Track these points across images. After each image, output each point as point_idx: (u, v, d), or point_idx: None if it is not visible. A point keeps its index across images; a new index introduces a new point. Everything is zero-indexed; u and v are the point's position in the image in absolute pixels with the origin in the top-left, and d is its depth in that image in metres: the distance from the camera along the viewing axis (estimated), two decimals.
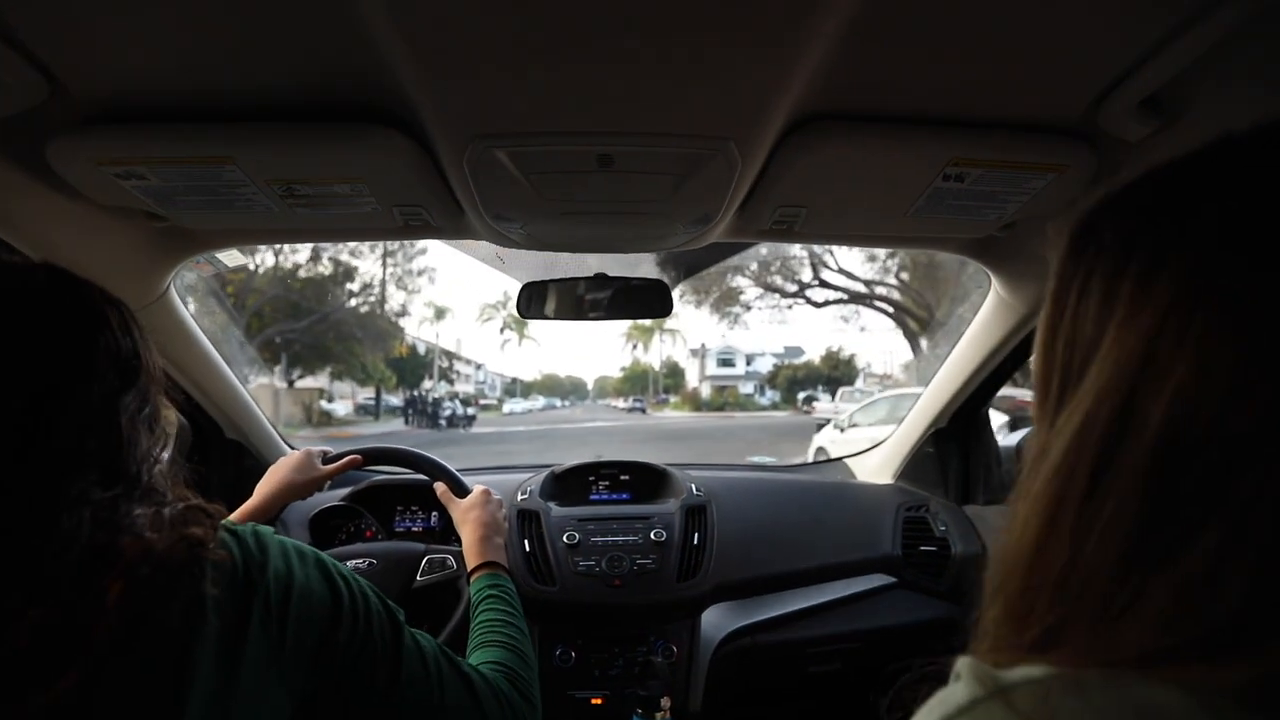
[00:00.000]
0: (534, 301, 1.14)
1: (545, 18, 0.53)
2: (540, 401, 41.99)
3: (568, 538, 1.22)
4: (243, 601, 0.48)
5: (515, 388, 48.28)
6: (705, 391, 40.69)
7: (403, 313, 22.33)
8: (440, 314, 30.73)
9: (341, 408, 21.90)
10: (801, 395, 34.40)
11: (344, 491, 1.28)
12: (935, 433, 1.52)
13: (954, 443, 1.52)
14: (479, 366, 44.25)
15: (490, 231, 0.93)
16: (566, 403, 48.43)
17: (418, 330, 30.72)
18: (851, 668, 1.28)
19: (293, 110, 0.70)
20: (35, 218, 0.82)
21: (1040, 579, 0.31)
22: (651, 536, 1.22)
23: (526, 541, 1.22)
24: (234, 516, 0.94)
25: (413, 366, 27.03)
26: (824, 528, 1.40)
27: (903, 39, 0.63)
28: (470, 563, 0.88)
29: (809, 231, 1.00)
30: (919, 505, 1.45)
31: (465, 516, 0.96)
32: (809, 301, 19.52)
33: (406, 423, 21.48)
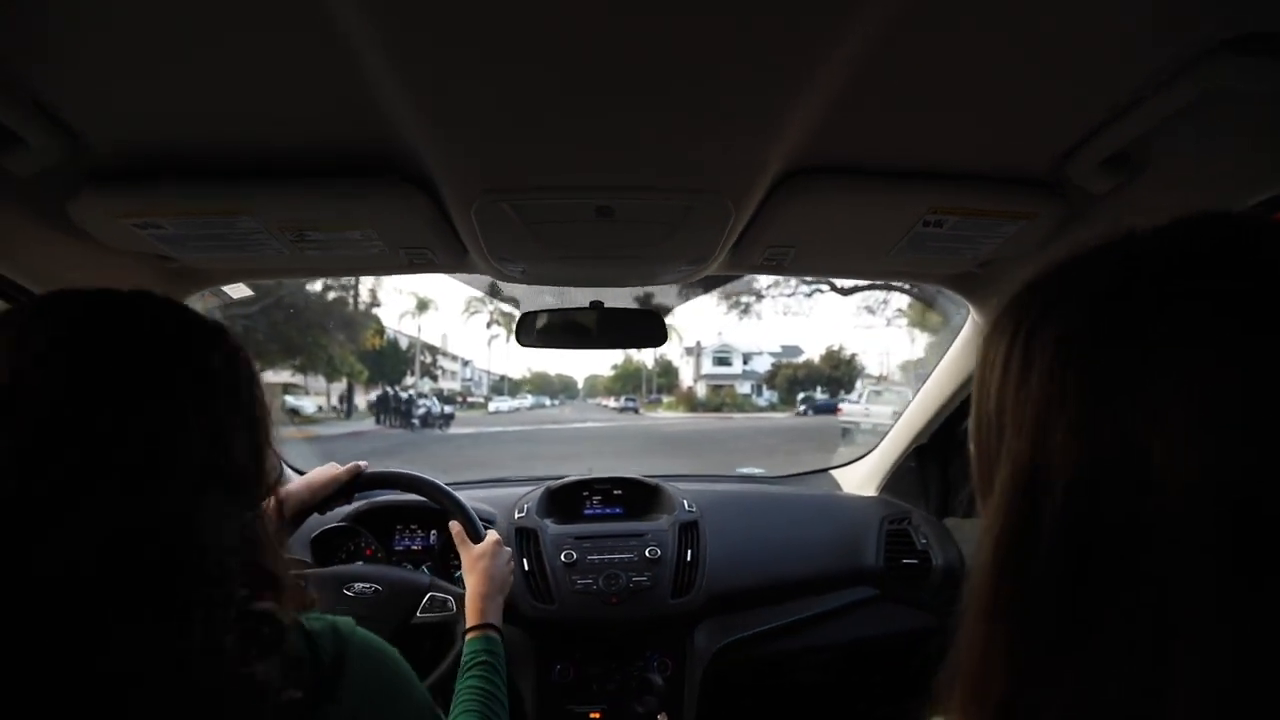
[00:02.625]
0: (531, 330, 1.17)
1: (550, 83, 0.56)
2: (529, 400, 40.99)
3: (565, 556, 1.26)
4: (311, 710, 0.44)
5: (503, 385, 47.10)
6: (701, 391, 39.76)
7: (375, 302, 20.62)
8: (423, 306, 29.52)
9: (310, 404, 19.74)
10: (801, 396, 33.81)
11: (345, 511, 1.31)
12: (917, 448, 1.58)
13: (934, 458, 1.58)
14: (466, 363, 43.25)
15: (492, 270, 0.97)
16: (556, 401, 47.49)
17: (398, 323, 29.41)
18: (837, 678, 1.33)
19: (307, 164, 0.73)
20: (48, 261, 0.85)
21: (990, 654, 0.33)
22: (646, 554, 1.27)
23: (526, 560, 1.26)
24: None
25: (393, 361, 25.93)
26: (811, 540, 1.44)
27: (885, 103, 0.67)
28: (470, 619, 0.88)
29: (798, 267, 1.05)
30: (901, 518, 1.51)
31: (474, 565, 0.95)
32: (834, 289, 18.50)
33: (378, 421, 19.90)
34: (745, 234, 0.91)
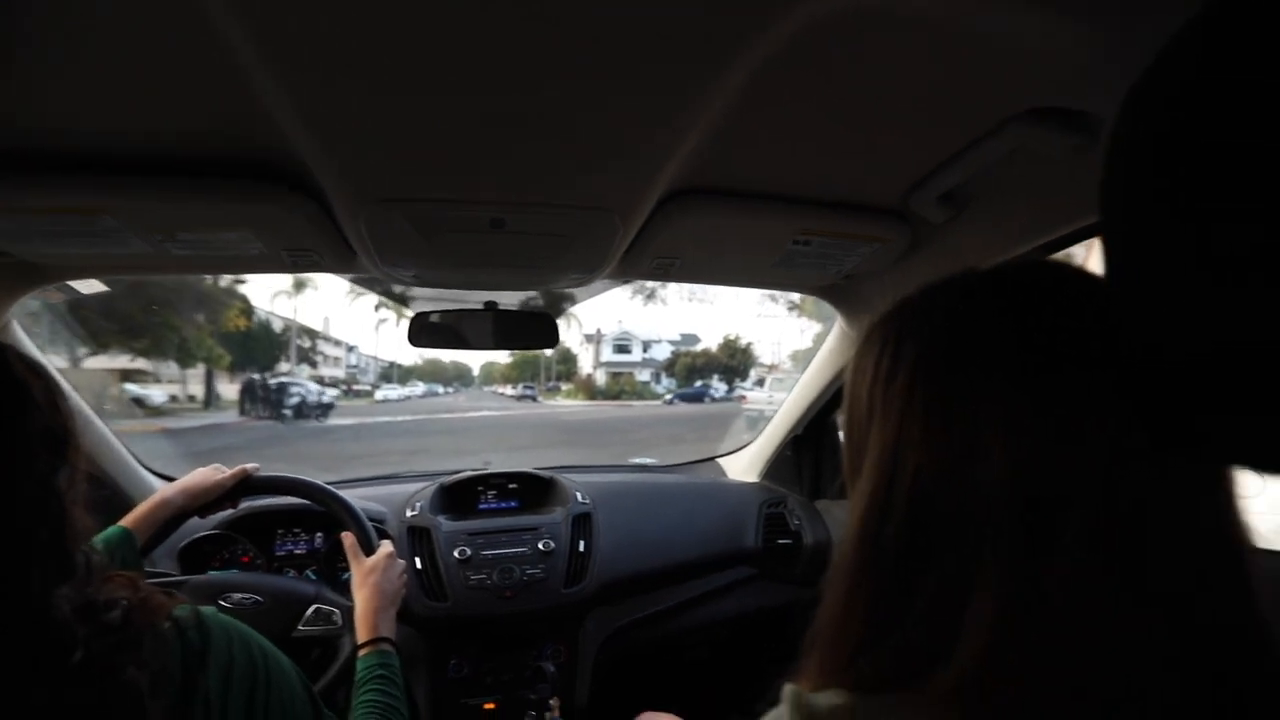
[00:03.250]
0: (424, 331, 1.16)
1: (440, 107, 0.58)
2: (420, 388, 38.95)
3: (459, 553, 1.26)
4: (182, 696, 0.47)
5: (393, 373, 44.38)
6: (601, 379, 39.26)
7: (239, 278, 17.05)
8: (300, 286, 26.51)
9: (160, 394, 17.24)
10: (698, 384, 33.92)
11: (219, 518, 1.23)
12: (794, 438, 1.73)
13: (808, 446, 1.73)
14: (351, 349, 40.49)
15: (381, 273, 0.96)
16: (450, 389, 45.43)
17: (271, 304, 26.71)
18: (721, 652, 1.44)
19: (178, 163, 0.69)
20: None
21: (848, 613, 0.39)
22: (540, 547, 1.30)
23: (418, 559, 1.25)
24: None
25: (264, 346, 23.56)
26: (697, 526, 1.54)
27: (758, 135, 0.74)
28: (361, 634, 0.86)
29: (684, 275, 1.12)
30: (778, 502, 1.64)
31: (365, 580, 0.92)
32: None
33: (242, 412, 17.77)
34: (633, 246, 0.96)
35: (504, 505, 1.50)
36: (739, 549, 1.52)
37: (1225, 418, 0.31)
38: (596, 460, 7.94)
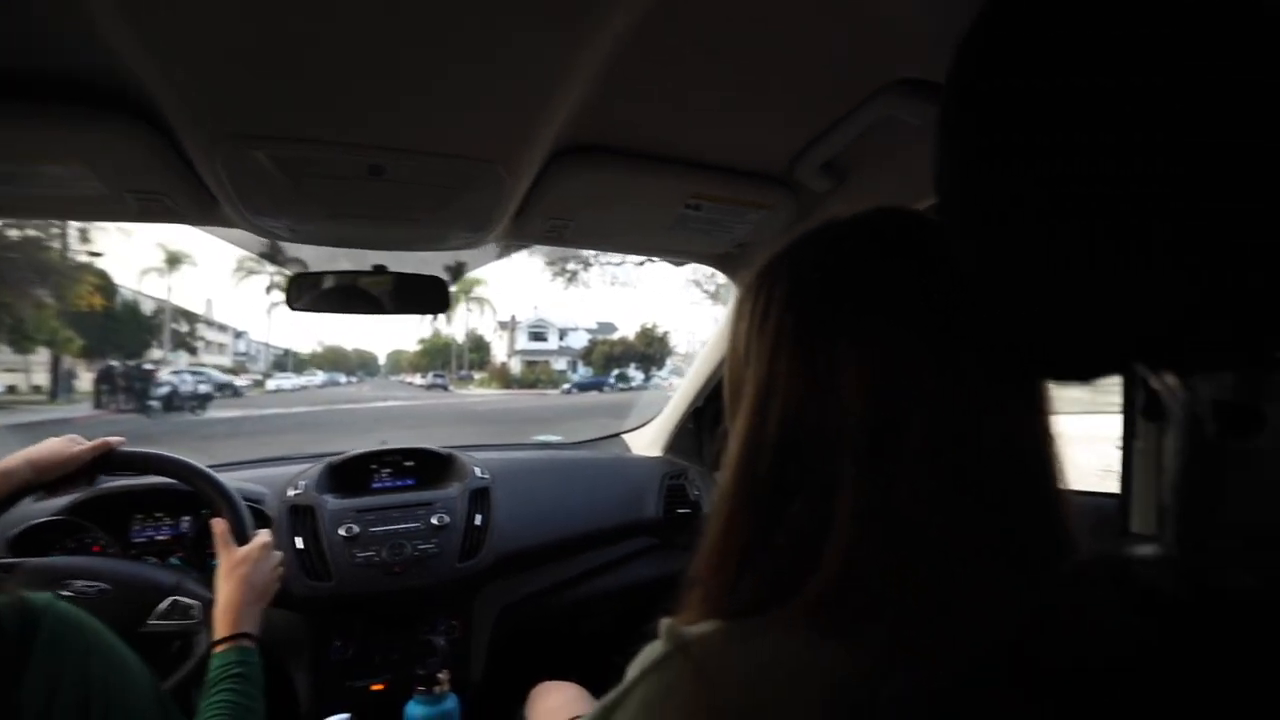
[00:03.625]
0: (305, 293, 1.09)
1: (309, 32, 0.54)
2: (319, 377, 36.33)
3: (345, 531, 1.20)
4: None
5: (288, 361, 40.86)
6: (515, 367, 38.01)
7: (95, 250, 15.19)
8: (174, 261, 23.79)
9: None
10: (615, 373, 33.35)
11: (62, 503, 1.10)
12: (695, 411, 1.77)
13: (708, 419, 1.78)
14: (239, 334, 36.96)
15: (250, 225, 0.89)
16: (354, 379, 42.45)
17: (140, 281, 23.45)
18: (620, 622, 1.46)
19: None
20: None
21: (726, 547, 0.41)
22: (433, 521, 1.26)
23: (299, 539, 1.18)
24: None
25: (130, 329, 20.90)
26: (600, 499, 1.54)
27: (647, 91, 0.75)
28: (220, 629, 0.79)
29: (579, 239, 1.11)
30: (679, 474, 1.68)
31: (232, 571, 0.85)
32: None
33: (98, 405, 15.34)
34: (525, 205, 0.94)
35: (399, 483, 1.44)
36: (640, 519, 1.54)
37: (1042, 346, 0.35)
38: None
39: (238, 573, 0.85)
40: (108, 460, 0.93)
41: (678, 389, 1.79)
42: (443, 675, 1.01)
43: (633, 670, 0.39)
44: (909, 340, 0.38)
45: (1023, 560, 0.37)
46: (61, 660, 0.45)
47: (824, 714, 0.33)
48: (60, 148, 0.67)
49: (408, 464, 1.46)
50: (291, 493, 1.26)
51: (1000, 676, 0.28)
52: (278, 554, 0.93)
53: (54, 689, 0.44)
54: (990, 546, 0.36)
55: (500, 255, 1.37)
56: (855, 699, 0.33)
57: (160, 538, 1.19)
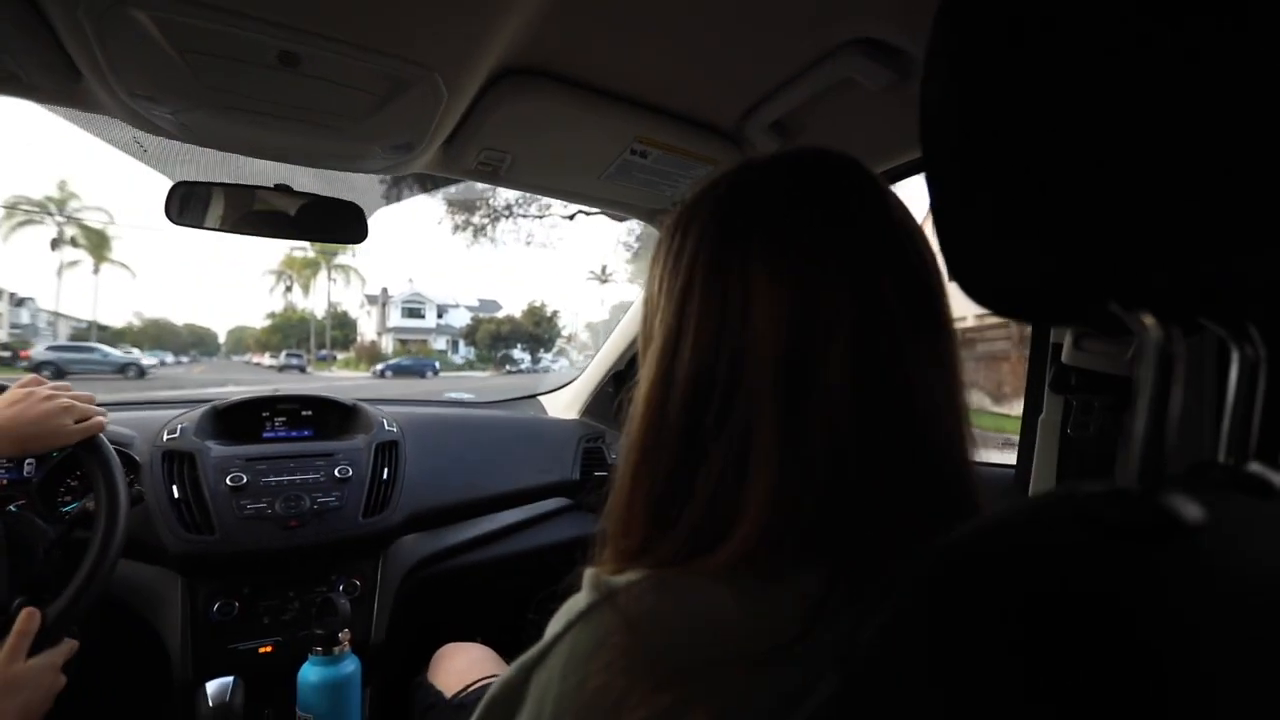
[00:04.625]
0: (190, 205, 0.94)
1: None
2: (137, 357, 28.30)
3: (231, 479, 1.08)
4: None
5: (91, 334, 32.34)
6: (387, 346, 34.97)
7: None
8: None
9: None
10: (515, 355, 32.10)
11: None
12: (615, 374, 1.74)
13: (628, 382, 1.76)
14: (21, 302, 30.22)
15: (124, 110, 0.74)
16: (184, 359, 35.47)
17: None
18: (532, 582, 1.43)
19: None
20: None
21: (635, 500, 0.40)
22: (336, 474, 1.16)
23: (175, 487, 1.05)
24: None
25: None
26: (514, 459, 1.50)
27: (601, 17, 0.70)
28: None
29: (513, 178, 1.04)
30: (596, 437, 1.65)
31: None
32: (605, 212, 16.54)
33: None
34: (460, 129, 0.86)
35: (295, 434, 1.32)
36: (557, 482, 1.51)
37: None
38: None
39: (4, 703, 0.69)
40: (89, 448, 0.85)
41: (600, 350, 1.75)
42: (343, 635, 0.94)
43: (555, 624, 0.36)
44: (826, 273, 0.37)
45: (944, 503, 0.37)
46: None
47: (761, 661, 0.32)
48: None
49: (305, 413, 1.34)
50: (167, 437, 1.12)
51: (950, 615, 0.27)
52: (62, 679, 0.76)
53: None
54: (913, 487, 0.36)
55: (397, 198, 1.25)
56: (793, 645, 0.31)
57: None
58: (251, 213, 0.99)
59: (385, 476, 1.22)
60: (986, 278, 0.36)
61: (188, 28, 0.60)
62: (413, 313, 36.56)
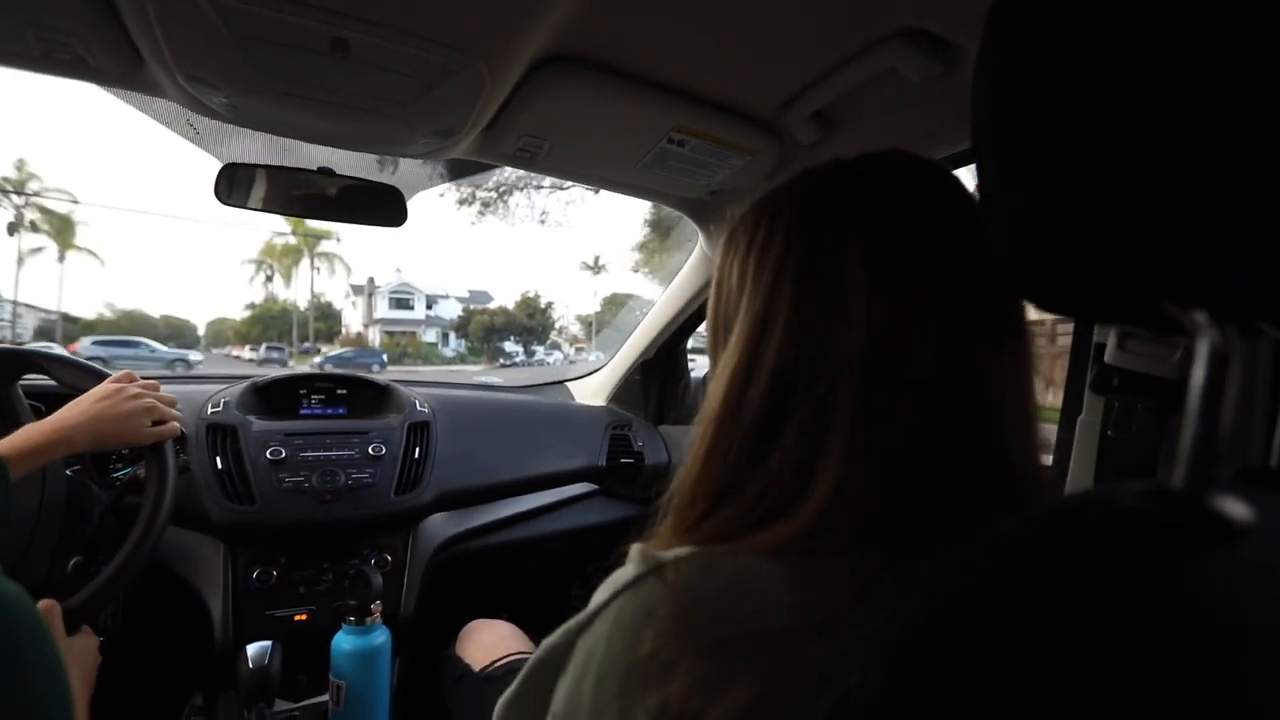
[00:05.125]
0: (237, 186, 0.97)
1: None
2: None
3: (271, 453, 1.12)
4: None
5: (58, 327, 30.20)
6: (375, 338, 33.13)
7: None
8: None
9: None
10: (508, 348, 30.83)
11: None
12: (643, 363, 1.75)
13: (656, 372, 1.77)
14: None
15: (181, 93, 0.77)
16: (164, 350, 31.85)
17: None
18: (556, 565, 1.45)
19: None
20: None
21: (707, 471, 0.41)
22: (369, 451, 1.20)
23: (219, 459, 1.09)
24: None
25: None
26: (542, 443, 1.52)
27: (643, 7, 0.69)
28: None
29: (550, 165, 1.05)
30: (623, 424, 1.67)
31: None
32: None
33: None
34: (500, 115, 0.87)
35: (330, 411, 1.35)
36: (583, 467, 1.53)
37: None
38: None
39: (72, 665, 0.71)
40: (156, 451, 0.88)
41: (630, 337, 1.76)
42: (376, 606, 0.97)
43: (601, 594, 0.37)
44: (916, 277, 0.38)
45: (1012, 501, 0.37)
46: None
47: (808, 640, 0.32)
48: None
49: (340, 392, 1.38)
50: (211, 410, 1.17)
51: (996, 608, 0.27)
52: (98, 659, 0.79)
53: None
54: (983, 488, 0.37)
55: (432, 183, 1.26)
56: (842, 627, 0.32)
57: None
58: (295, 195, 1.02)
59: (417, 455, 1.25)
60: (1037, 274, 0.36)
61: (247, 14, 0.62)
62: (401, 303, 35.03)
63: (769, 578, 0.34)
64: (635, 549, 0.38)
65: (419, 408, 1.35)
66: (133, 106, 0.88)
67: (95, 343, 19.29)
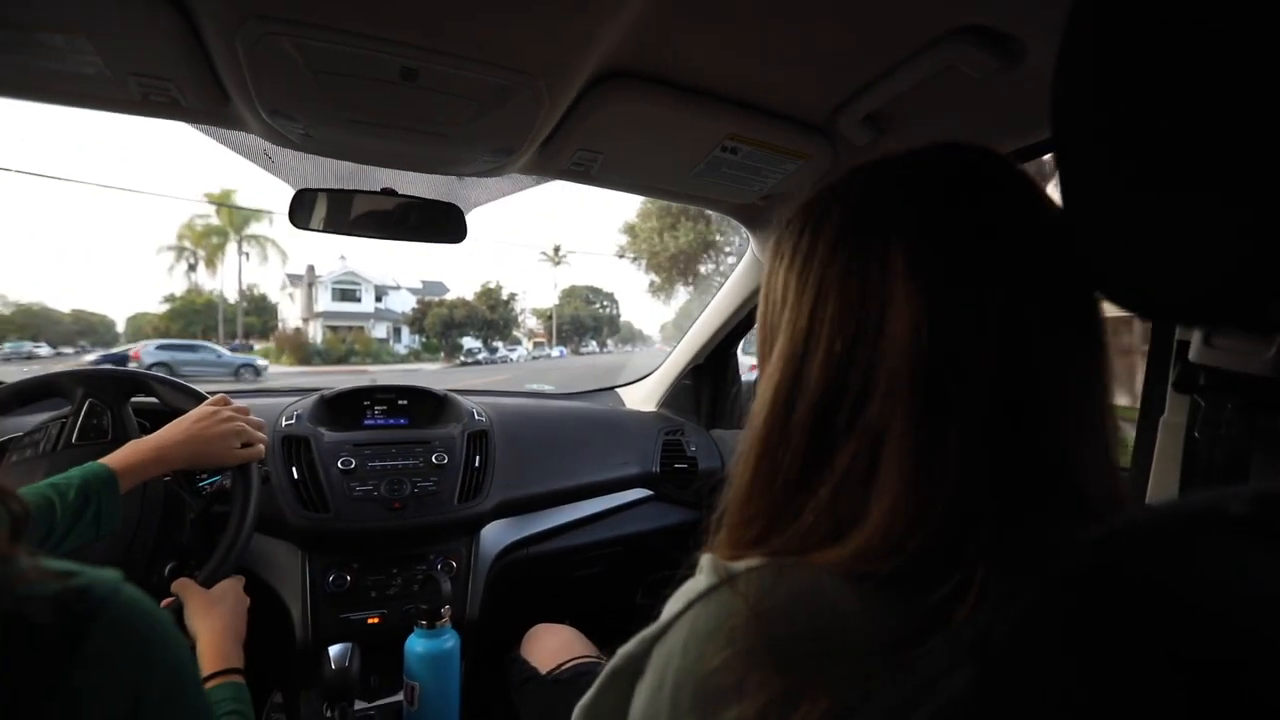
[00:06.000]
0: (306, 209, 1.03)
1: None
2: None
3: (342, 463, 1.17)
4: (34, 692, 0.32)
5: None
6: (316, 334, 29.14)
7: None
8: None
9: None
10: (467, 344, 26.84)
11: None
12: (694, 368, 1.75)
13: (708, 377, 1.77)
14: None
15: (262, 127, 0.82)
16: (70, 350, 29.80)
17: None
18: (613, 570, 1.47)
19: None
20: None
21: (755, 493, 0.40)
22: (433, 460, 1.24)
23: (295, 469, 1.15)
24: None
25: None
26: (595, 449, 1.54)
27: (697, 18, 0.70)
28: (210, 664, 0.74)
29: (605, 177, 1.06)
30: (676, 430, 1.67)
31: (210, 610, 0.80)
32: None
33: None
34: (556, 131, 0.89)
35: (393, 422, 1.41)
36: (637, 472, 1.54)
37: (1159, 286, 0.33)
38: None
39: (216, 610, 0.81)
40: (243, 471, 0.95)
41: (681, 342, 1.77)
42: (446, 610, 1.00)
43: (675, 604, 0.37)
44: (969, 284, 0.35)
45: (1087, 515, 0.35)
46: (112, 674, 0.36)
47: (884, 657, 0.32)
48: (63, 14, 0.60)
49: (401, 402, 1.43)
50: (285, 423, 1.23)
51: (1097, 613, 0.26)
52: (246, 598, 0.89)
53: (93, 709, 0.34)
54: (1049, 503, 0.35)
55: (504, 193, 1.29)
56: (918, 643, 0.31)
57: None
58: (360, 215, 1.07)
59: (477, 464, 1.29)
60: (1127, 275, 0.35)
61: (324, 50, 0.66)
62: (346, 295, 30.89)
63: (842, 594, 0.33)
64: (706, 559, 0.37)
65: (477, 416, 1.38)
66: (211, 139, 0.94)
67: (159, 347, 19.44)
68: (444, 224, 1.09)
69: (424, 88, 0.73)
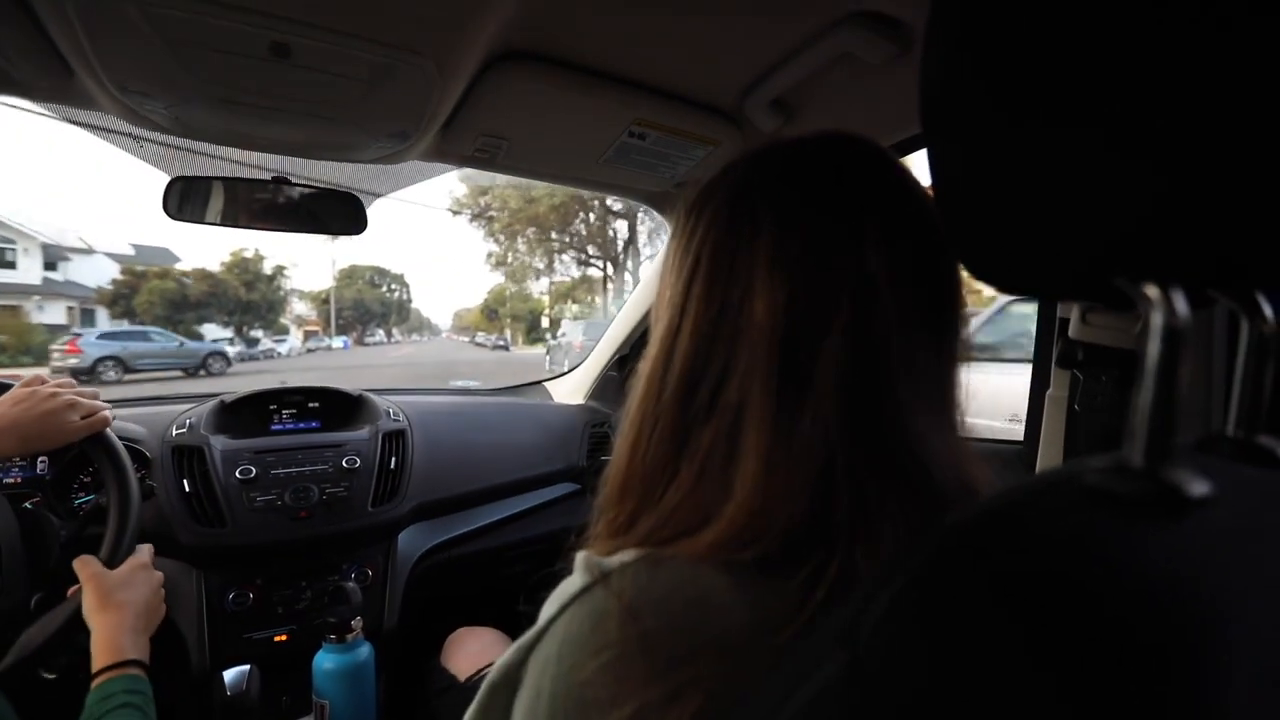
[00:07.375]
0: (189, 200, 0.94)
1: None
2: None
3: (241, 472, 1.09)
4: None
5: None
6: None
7: None
8: None
9: None
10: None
11: None
12: (619, 359, 1.74)
13: (633, 366, 1.76)
14: None
15: (117, 106, 0.74)
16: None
17: None
18: (541, 568, 1.44)
19: None
20: None
21: (629, 474, 0.40)
22: (344, 464, 1.17)
23: (186, 482, 1.06)
24: None
25: None
26: (522, 446, 1.50)
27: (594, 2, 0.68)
28: (101, 657, 0.69)
29: (510, 164, 1.03)
30: (602, 422, 1.66)
31: (108, 598, 0.75)
32: None
33: None
34: (456, 115, 0.85)
35: (303, 426, 1.32)
36: (564, 467, 1.52)
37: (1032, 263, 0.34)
38: None
39: (116, 598, 0.76)
40: (96, 442, 0.85)
41: (605, 334, 1.75)
42: (356, 622, 0.95)
43: (550, 607, 0.36)
44: (826, 266, 0.36)
45: (936, 494, 0.36)
46: None
47: (755, 647, 0.32)
48: None
49: (312, 405, 1.35)
50: (175, 432, 1.13)
51: (957, 593, 0.27)
52: (159, 575, 0.84)
53: None
54: (904, 481, 0.35)
55: (411, 180, 1.22)
56: (788, 631, 0.31)
57: (8, 480, 1.03)
58: (250, 207, 0.99)
59: (393, 466, 1.23)
60: (992, 255, 0.36)
61: (178, 20, 0.59)
62: None
63: (713, 584, 0.33)
64: (580, 557, 0.36)
65: (393, 416, 1.32)
66: (72, 121, 0.85)
67: (103, 336, 15.00)
68: (342, 214, 1.02)
69: (300, 65, 0.68)
